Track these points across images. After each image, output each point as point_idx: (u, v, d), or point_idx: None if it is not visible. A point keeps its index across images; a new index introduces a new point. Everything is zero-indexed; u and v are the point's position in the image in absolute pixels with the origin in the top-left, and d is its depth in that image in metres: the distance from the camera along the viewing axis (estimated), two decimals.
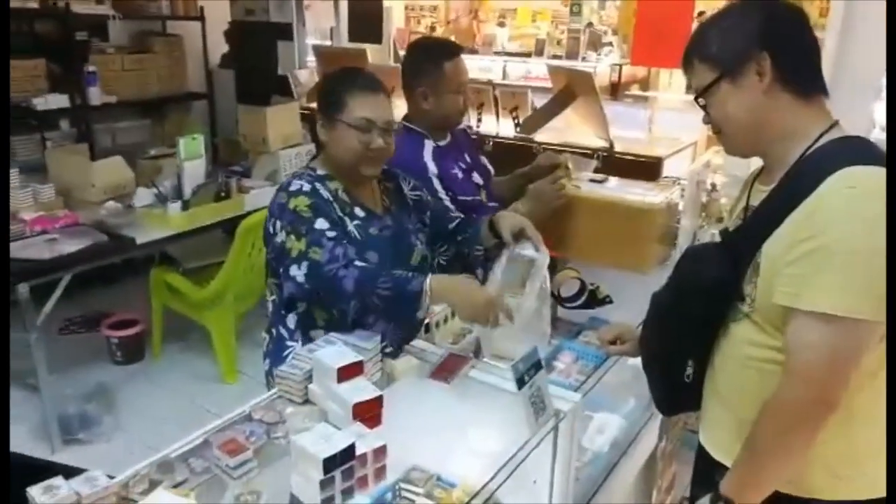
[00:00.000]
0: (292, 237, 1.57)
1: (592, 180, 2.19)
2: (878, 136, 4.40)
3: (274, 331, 1.77)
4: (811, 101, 1.21)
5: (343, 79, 1.69)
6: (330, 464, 1.04)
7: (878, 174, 1.10)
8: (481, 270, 1.89)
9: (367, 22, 5.43)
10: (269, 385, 1.79)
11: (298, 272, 1.54)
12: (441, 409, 1.47)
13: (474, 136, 2.49)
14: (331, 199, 1.64)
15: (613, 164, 3.31)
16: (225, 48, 5.16)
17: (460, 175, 2.09)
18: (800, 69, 1.20)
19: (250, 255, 3.06)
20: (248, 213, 3.11)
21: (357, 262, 1.53)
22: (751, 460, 1.22)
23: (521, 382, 1.27)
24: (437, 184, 2.00)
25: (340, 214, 1.64)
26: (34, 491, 0.98)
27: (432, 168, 2.01)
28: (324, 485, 1.05)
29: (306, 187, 1.62)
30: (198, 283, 3.22)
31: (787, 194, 1.18)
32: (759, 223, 1.23)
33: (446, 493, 1.47)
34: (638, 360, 2.02)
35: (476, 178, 2.17)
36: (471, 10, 11.92)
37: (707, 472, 1.45)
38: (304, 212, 1.58)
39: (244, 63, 4.88)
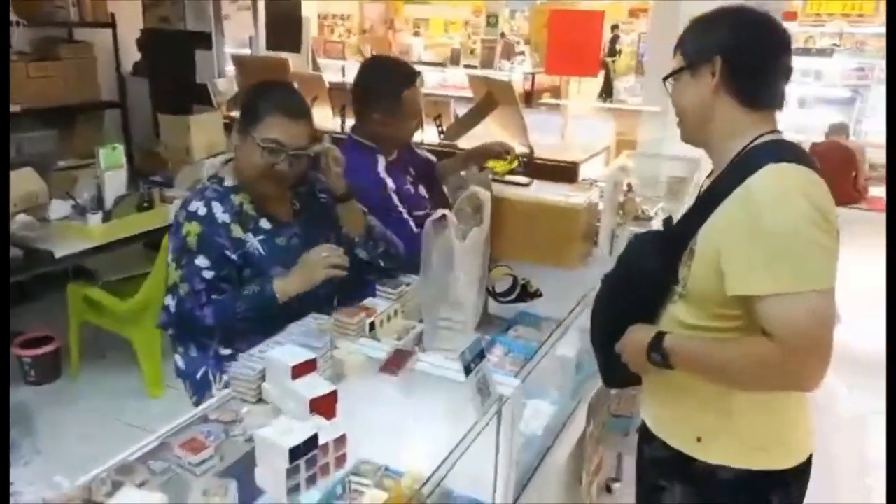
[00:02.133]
0: (174, 265, 1.62)
1: (518, 184, 2.32)
2: None
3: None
4: (755, 110, 1.35)
5: (269, 95, 1.68)
6: (295, 453, 1.09)
7: (797, 169, 1.23)
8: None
9: (285, 31, 5.41)
10: (194, 396, 1.79)
11: (171, 302, 1.61)
12: (390, 401, 1.53)
13: None
14: (228, 220, 1.65)
15: (534, 168, 3.46)
16: (137, 56, 5.02)
17: (412, 190, 2.15)
18: (748, 81, 1.33)
19: None
20: None
21: (214, 297, 1.60)
22: (702, 357, 1.32)
23: (468, 370, 1.35)
24: (395, 199, 2.04)
25: (240, 235, 1.66)
26: None
27: (390, 184, 2.05)
28: (290, 474, 1.09)
29: (202, 210, 1.64)
30: (119, 297, 3.13)
31: (720, 187, 1.32)
32: (696, 213, 1.36)
33: (395, 482, 1.55)
34: (562, 352, 2.16)
35: (422, 190, 2.23)
36: (385, 19, 12.02)
37: (664, 459, 1.51)
38: (191, 242, 1.61)
39: (159, 71, 4.76)
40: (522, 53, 10.02)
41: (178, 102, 4.21)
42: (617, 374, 1.58)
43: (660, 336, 1.35)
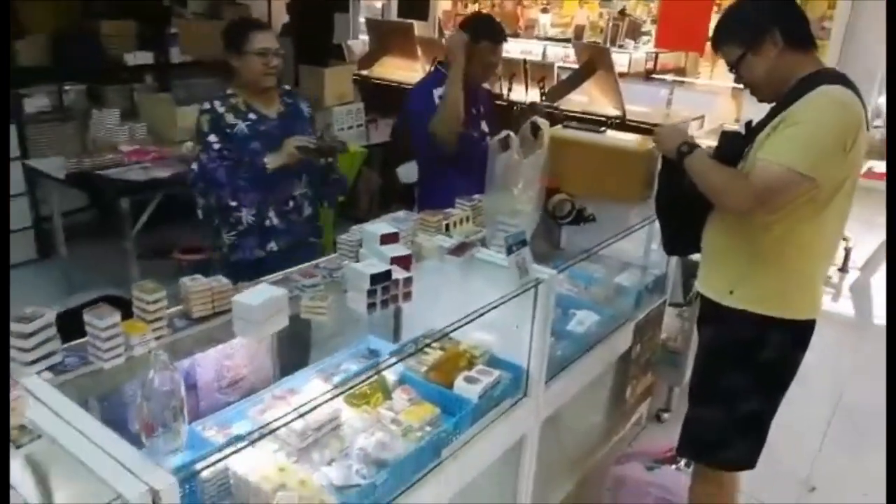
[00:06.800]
0: (195, 141, 2.36)
1: (593, 130, 2.67)
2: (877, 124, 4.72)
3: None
4: (808, 53, 1.74)
5: (242, 22, 2.47)
6: (375, 279, 1.56)
7: (839, 89, 1.65)
8: None
9: (415, 1, 5.92)
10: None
11: (195, 166, 2.29)
12: (454, 282, 1.97)
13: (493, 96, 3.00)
14: (225, 110, 2.28)
15: (624, 128, 3.75)
16: (286, 18, 5.71)
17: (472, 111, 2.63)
18: (798, 33, 1.73)
19: None
20: None
21: (225, 163, 2.25)
22: (707, 163, 1.78)
23: (509, 251, 1.76)
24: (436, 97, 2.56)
25: (233, 121, 2.28)
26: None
27: (437, 91, 2.58)
28: (369, 294, 1.56)
29: (207, 106, 2.31)
30: None
31: (776, 109, 1.72)
32: (763, 121, 1.76)
33: (454, 345, 1.99)
34: (621, 281, 2.51)
35: (484, 126, 2.70)
36: None
37: (705, 311, 1.98)
38: (204, 126, 2.28)
39: (303, 31, 5.41)
40: (648, 33, 9.99)
41: (317, 58, 4.81)
42: (677, 243, 2.06)
43: (694, 143, 1.81)
